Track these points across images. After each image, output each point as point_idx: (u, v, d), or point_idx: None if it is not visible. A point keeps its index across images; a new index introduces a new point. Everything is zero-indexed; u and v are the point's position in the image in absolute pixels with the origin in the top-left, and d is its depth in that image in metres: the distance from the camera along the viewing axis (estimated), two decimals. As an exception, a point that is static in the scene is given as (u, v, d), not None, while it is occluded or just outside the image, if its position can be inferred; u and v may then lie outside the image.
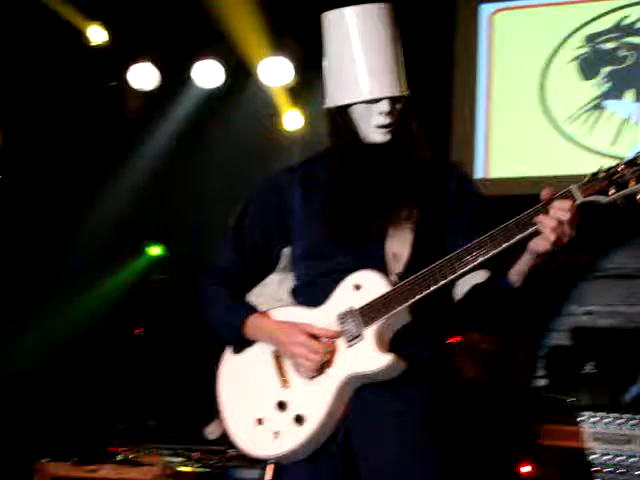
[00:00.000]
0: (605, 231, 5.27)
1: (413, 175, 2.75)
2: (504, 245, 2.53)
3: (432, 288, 2.59)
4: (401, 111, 2.78)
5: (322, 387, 2.66)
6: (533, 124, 6.07)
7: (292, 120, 6.64)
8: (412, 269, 2.66)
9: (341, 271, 2.73)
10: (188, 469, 4.31)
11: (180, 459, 4.40)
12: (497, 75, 6.21)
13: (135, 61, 6.63)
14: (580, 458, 4.03)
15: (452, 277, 2.58)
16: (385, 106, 2.73)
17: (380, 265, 2.71)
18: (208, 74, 6.59)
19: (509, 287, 2.61)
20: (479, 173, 6.13)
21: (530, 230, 2.50)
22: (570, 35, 6.07)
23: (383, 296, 2.64)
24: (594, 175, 2.51)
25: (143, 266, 6.77)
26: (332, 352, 2.66)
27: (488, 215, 2.76)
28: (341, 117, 2.80)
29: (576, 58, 6.06)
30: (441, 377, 2.75)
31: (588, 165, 6.06)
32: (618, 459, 3.99)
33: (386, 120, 2.74)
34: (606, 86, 5.98)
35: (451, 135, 6.17)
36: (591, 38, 6.03)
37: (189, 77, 6.60)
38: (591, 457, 4.03)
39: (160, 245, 6.79)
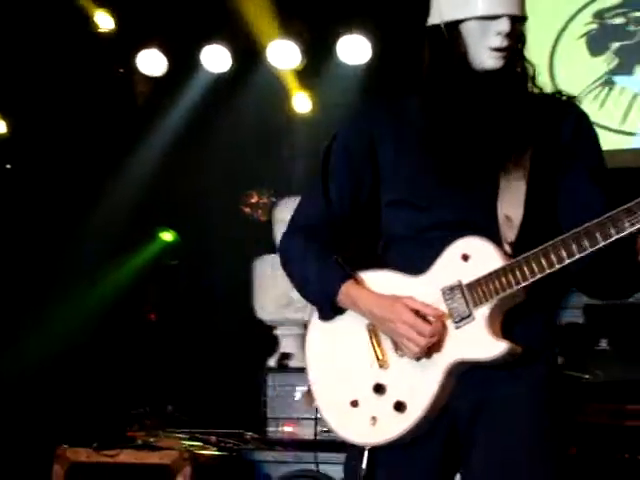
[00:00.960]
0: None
1: (528, 111, 2.44)
2: (631, 229, 2.20)
3: (557, 266, 2.27)
4: (519, 37, 2.47)
5: (426, 372, 2.41)
6: (543, 101, 6.07)
7: (300, 103, 6.65)
8: (525, 235, 2.38)
9: (444, 228, 2.44)
10: (206, 452, 4.32)
11: (198, 443, 4.41)
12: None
13: (143, 47, 6.63)
14: (592, 434, 4.05)
15: (579, 256, 2.26)
16: (505, 25, 2.39)
17: (492, 231, 2.40)
18: (216, 58, 6.58)
19: (634, 260, 2.32)
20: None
21: None
22: (578, 11, 6.06)
23: (497, 271, 2.33)
24: None
25: (156, 251, 6.79)
26: (439, 333, 2.38)
27: (607, 168, 2.49)
28: (449, 36, 2.45)
29: (585, 34, 6.05)
30: (551, 359, 2.53)
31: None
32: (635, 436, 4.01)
33: (503, 42, 2.40)
34: (615, 62, 5.97)
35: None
36: (599, 14, 6.01)
37: (197, 62, 6.60)
38: (604, 433, 4.05)
39: (172, 231, 6.81)
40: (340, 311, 2.52)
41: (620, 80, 5.95)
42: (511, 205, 2.41)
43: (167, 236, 6.82)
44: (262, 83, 6.62)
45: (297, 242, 2.60)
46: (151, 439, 4.33)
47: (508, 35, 2.40)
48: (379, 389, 2.44)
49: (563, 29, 6.08)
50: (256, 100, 6.64)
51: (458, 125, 2.41)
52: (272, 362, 4.99)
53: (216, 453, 4.34)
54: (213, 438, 4.44)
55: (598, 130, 5.93)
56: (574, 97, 2.57)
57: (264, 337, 5.24)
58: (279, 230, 5.15)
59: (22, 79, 6.50)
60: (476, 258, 2.38)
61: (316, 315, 2.57)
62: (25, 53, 6.37)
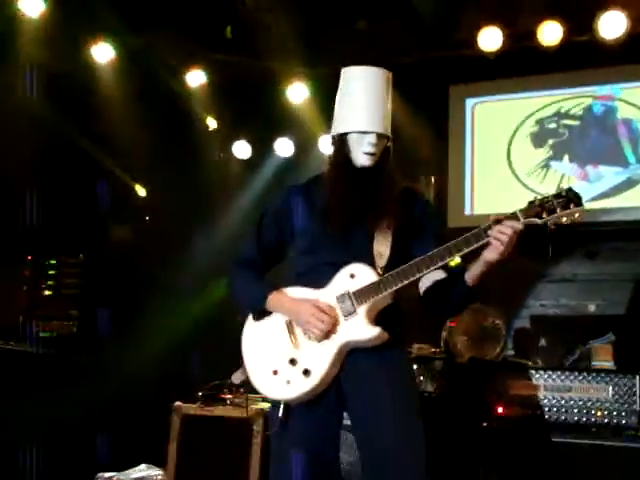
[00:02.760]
0: (553, 249, 5.26)
1: (391, 193, 2.58)
2: (464, 251, 2.41)
3: (411, 279, 2.47)
4: (385, 147, 2.61)
5: (325, 349, 2.51)
6: (503, 178, 6.10)
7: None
8: (392, 265, 2.53)
9: (338, 263, 2.56)
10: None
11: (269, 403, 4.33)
12: (478, 144, 6.23)
13: (235, 139, 6.77)
14: (536, 402, 4.05)
15: (425, 272, 2.46)
16: (373, 138, 2.55)
17: (369, 260, 2.55)
18: (285, 147, 6.68)
19: (465, 286, 2.51)
20: (467, 211, 6.16)
21: (483, 241, 2.38)
22: (526, 118, 6.10)
23: (373, 283, 2.51)
24: (531, 203, 2.38)
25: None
26: (334, 323, 2.50)
27: (445, 231, 2.71)
28: (340, 142, 2.60)
29: (530, 134, 6.08)
30: (403, 346, 2.67)
31: (540, 205, 6.06)
32: (562, 402, 4.00)
33: (372, 149, 2.56)
34: (551, 152, 6.00)
35: (447, 187, 6.20)
36: (540, 120, 6.06)
37: (272, 149, 6.70)
38: (543, 401, 4.04)
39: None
40: (266, 313, 2.62)
41: (554, 164, 5.97)
42: (382, 246, 2.57)
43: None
44: (316, 165, 6.65)
45: (238, 270, 2.71)
46: (236, 400, 4.28)
47: (376, 145, 2.56)
48: (293, 362, 2.55)
49: (516, 130, 6.11)
50: (311, 174, 6.63)
51: (344, 203, 2.54)
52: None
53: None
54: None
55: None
56: (417, 190, 2.78)
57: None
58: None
59: (159, 161, 6.58)
60: (359, 276, 2.53)
61: (250, 317, 2.67)
62: (160, 143, 6.49)
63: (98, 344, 5.85)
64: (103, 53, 5.76)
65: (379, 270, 2.53)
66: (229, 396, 4.31)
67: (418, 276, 2.48)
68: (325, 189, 2.61)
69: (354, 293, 2.52)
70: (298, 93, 6.19)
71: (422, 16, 5.78)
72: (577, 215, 2.33)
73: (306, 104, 6.24)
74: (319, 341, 2.51)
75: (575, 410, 3.93)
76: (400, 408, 2.49)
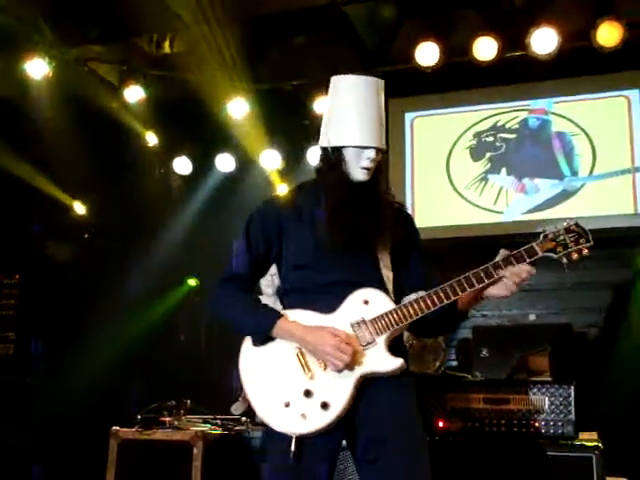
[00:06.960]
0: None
1: (390, 209, 2.49)
2: (476, 286, 2.36)
3: (428, 310, 2.37)
4: (379, 162, 2.49)
5: (344, 380, 2.35)
6: (442, 191, 6.14)
7: (283, 191, 6.64)
8: (396, 288, 2.45)
9: (346, 283, 2.41)
10: (214, 432, 4.18)
11: (208, 425, 4.29)
12: (418, 158, 6.26)
13: (176, 155, 6.69)
14: (473, 414, 4.07)
15: (439, 305, 2.38)
16: (372, 153, 2.42)
17: (381, 284, 2.43)
18: (226, 162, 6.63)
19: (457, 310, 2.47)
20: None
21: (494, 279, 2.37)
22: (464, 132, 6.15)
23: (392, 312, 2.37)
24: (545, 236, 2.40)
25: (184, 292, 6.72)
26: (353, 353, 2.35)
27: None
28: (334, 156, 2.45)
29: (468, 147, 6.13)
30: (409, 371, 2.53)
31: (478, 217, 6.17)
32: (500, 414, 4.02)
33: (370, 164, 2.43)
34: (488, 165, 6.06)
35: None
36: (478, 134, 6.12)
37: (213, 165, 6.64)
38: (482, 413, 4.06)
39: (195, 278, 6.75)
40: (270, 339, 2.42)
41: (491, 177, 6.03)
42: (386, 269, 2.46)
43: (192, 282, 6.75)
44: (257, 178, 6.61)
45: (228, 290, 2.49)
46: (176, 423, 4.23)
47: (374, 160, 2.44)
48: (308, 394, 2.37)
49: (455, 143, 6.16)
50: (253, 189, 6.63)
51: (349, 219, 2.40)
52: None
53: (221, 432, 4.24)
54: (219, 422, 4.33)
55: (478, 210, 6.10)
56: (404, 205, 2.64)
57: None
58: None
59: (98, 178, 6.48)
60: (374, 303, 2.40)
61: (248, 341, 2.47)
62: (99, 160, 6.39)
63: (34, 366, 5.72)
64: (37, 69, 5.63)
65: (392, 296, 2.43)
66: (168, 419, 4.23)
67: (433, 309, 2.38)
68: (317, 201, 2.46)
69: (371, 321, 2.38)
70: (238, 108, 6.15)
71: (360, 32, 5.82)
72: (586, 251, 2.40)
73: (246, 119, 6.19)
74: (338, 372, 2.36)
75: (514, 421, 3.97)
76: (415, 450, 2.38)
